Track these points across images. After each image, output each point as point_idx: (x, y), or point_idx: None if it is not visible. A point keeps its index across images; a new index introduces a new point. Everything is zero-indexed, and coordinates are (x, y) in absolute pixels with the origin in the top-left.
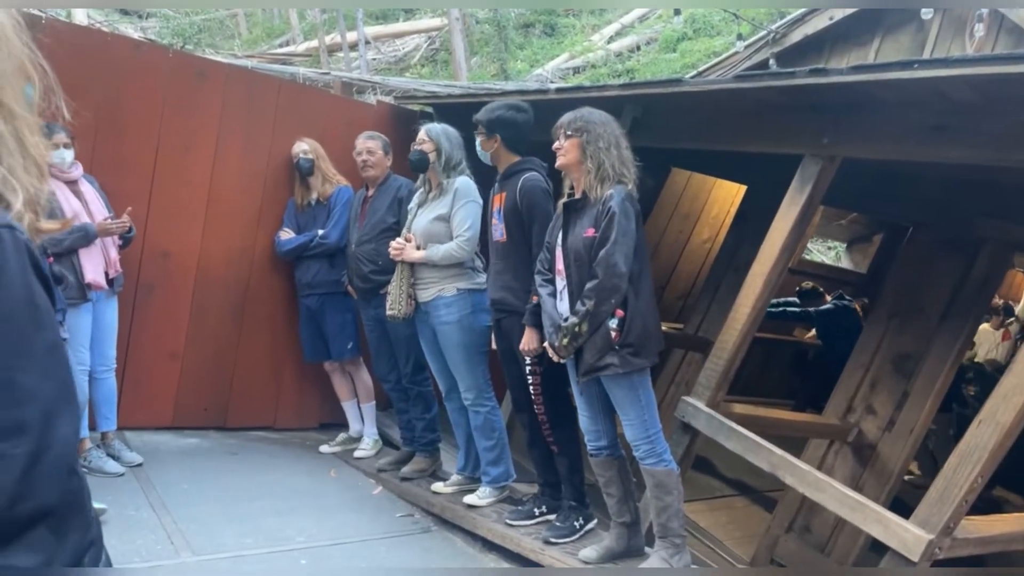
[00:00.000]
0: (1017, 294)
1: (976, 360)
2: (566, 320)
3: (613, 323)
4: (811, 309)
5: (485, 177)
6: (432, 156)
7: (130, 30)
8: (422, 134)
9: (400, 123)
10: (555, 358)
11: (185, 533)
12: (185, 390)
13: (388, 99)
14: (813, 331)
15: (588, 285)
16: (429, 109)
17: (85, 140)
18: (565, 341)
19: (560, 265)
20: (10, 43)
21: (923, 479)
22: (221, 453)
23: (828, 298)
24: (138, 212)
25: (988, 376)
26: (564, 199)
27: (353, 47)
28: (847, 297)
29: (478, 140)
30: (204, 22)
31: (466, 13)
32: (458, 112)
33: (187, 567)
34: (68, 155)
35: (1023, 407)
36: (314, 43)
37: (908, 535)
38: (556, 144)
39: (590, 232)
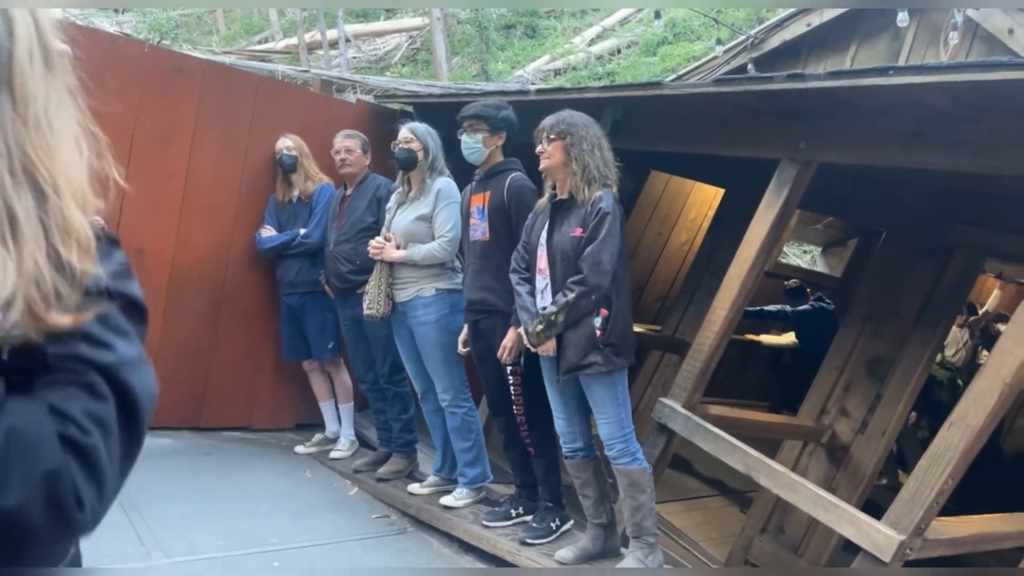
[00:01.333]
0: (987, 299)
1: (950, 362)
2: (544, 308)
3: (598, 322)
4: (788, 309)
5: (460, 178)
6: (420, 155)
7: (106, 24)
8: (407, 133)
9: (380, 122)
10: (526, 343)
11: (157, 534)
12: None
13: (368, 98)
14: (791, 333)
15: (572, 279)
16: (409, 108)
17: None
18: (540, 328)
19: (543, 264)
20: (70, 108)
21: (890, 482)
22: (195, 453)
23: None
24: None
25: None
26: (548, 198)
27: (333, 45)
28: (826, 300)
29: (477, 137)
30: (182, 17)
31: (447, 13)
32: (438, 112)
33: (158, 569)
34: None
35: (993, 410)
36: (294, 40)
37: (880, 536)
38: (539, 148)
39: (577, 232)
